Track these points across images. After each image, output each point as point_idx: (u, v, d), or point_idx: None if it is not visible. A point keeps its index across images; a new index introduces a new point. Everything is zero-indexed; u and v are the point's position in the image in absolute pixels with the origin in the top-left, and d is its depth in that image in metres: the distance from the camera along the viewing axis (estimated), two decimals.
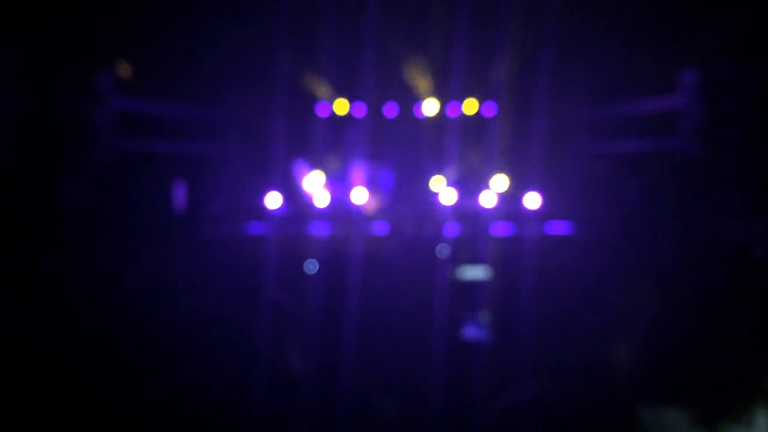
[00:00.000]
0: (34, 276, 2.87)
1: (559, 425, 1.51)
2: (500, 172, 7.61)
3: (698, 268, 4.14)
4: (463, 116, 7.97)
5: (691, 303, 1.54)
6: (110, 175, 6.81)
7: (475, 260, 4.99)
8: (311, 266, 4.73)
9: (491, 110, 7.90)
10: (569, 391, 1.56)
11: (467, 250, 5.35)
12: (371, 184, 7.90)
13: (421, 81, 7.95)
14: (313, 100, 8.02)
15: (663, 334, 1.51)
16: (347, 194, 7.75)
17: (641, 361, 1.52)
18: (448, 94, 7.86)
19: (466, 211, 7.35)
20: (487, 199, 7.42)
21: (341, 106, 8.11)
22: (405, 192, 7.99)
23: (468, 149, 7.84)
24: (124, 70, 7.10)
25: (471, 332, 2.99)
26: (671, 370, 1.49)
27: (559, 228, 7.09)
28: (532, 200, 7.25)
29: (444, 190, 7.70)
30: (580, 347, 1.74)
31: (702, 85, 6.59)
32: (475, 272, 4.76)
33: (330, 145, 8.08)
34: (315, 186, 7.81)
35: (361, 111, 8.13)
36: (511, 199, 7.50)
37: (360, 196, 7.63)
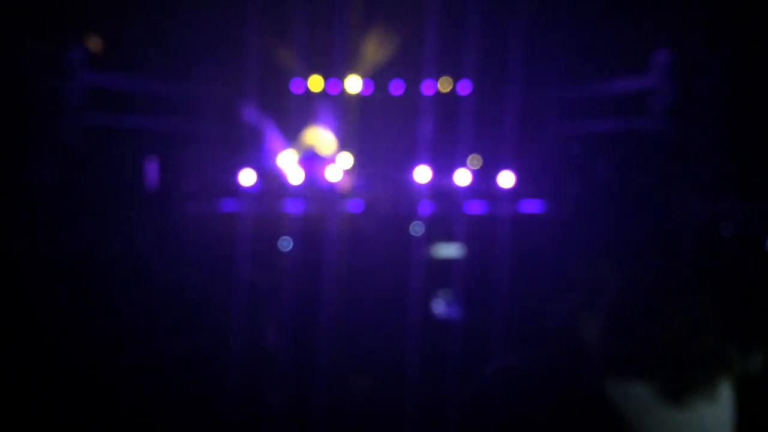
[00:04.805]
0: (5, 255, 2.83)
1: (529, 399, 1.54)
2: (473, 152, 7.66)
3: (667, 246, 4.21)
4: (438, 94, 7.98)
5: (659, 280, 1.58)
6: (80, 151, 6.70)
7: (449, 238, 5.02)
8: (285, 243, 4.73)
9: (466, 89, 7.91)
10: (539, 365, 1.58)
11: (441, 228, 5.37)
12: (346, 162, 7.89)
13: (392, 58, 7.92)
14: (287, 76, 7.96)
15: (631, 311, 1.55)
16: (321, 172, 7.72)
17: (610, 337, 1.55)
18: (422, 73, 7.84)
19: (441, 190, 7.36)
20: (462, 177, 7.44)
21: (316, 83, 8.05)
22: (380, 170, 7.98)
23: (443, 127, 7.84)
24: (94, 44, 6.97)
25: (442, 309, 3.02)
26: (639, 346, 1.52)
27: (532, 206, 7.14)
28: (506, 179, 7.29)
29: (419, 169, 7.70)
30: (551, 323, 1.78)
31: (674, 65, 6.65)
32: (449, 250, 4.79)
33: (304, 121, 8.04)
34: (289, 163, 7.77)
35: (336, 88, 8.08)
36: (485, 178, 7.53)
37: (334, 173, 7.61)
